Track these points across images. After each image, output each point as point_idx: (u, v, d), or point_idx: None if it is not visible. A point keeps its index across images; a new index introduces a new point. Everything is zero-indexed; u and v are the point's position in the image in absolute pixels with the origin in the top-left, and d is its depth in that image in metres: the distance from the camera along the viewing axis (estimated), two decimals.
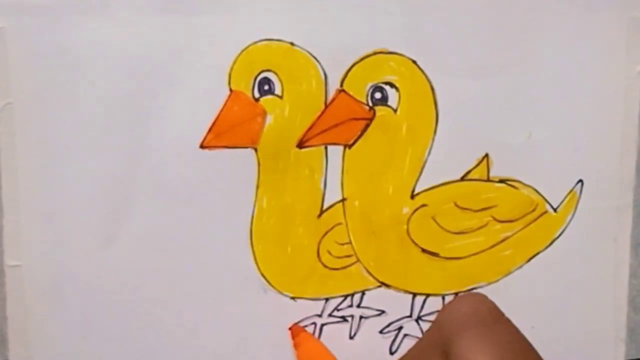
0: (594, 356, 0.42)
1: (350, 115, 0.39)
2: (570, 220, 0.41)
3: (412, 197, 0.40)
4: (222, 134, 0.38)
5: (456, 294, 0.41)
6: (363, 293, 0.41)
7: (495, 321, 0.29)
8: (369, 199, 0.40)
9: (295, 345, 0.40)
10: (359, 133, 0.39)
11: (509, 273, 0.41)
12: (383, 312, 0.41)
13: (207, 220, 0.39)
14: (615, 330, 0.42)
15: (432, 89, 0.39)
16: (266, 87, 0.38)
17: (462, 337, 0.28)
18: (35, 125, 0.37)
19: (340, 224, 0.40)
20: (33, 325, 0.39)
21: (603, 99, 0.40)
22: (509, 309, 0.31)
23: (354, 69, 0.38)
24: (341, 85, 0.38)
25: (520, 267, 0.41)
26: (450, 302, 0.30)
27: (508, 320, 0.29)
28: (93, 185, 0.38)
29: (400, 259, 0.40)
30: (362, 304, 0.41)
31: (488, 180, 0.40)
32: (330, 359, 0.40)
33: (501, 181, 0.40)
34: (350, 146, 0.39)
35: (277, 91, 0.38)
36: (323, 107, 0.39)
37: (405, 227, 0.40)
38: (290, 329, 0.40)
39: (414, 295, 0.41)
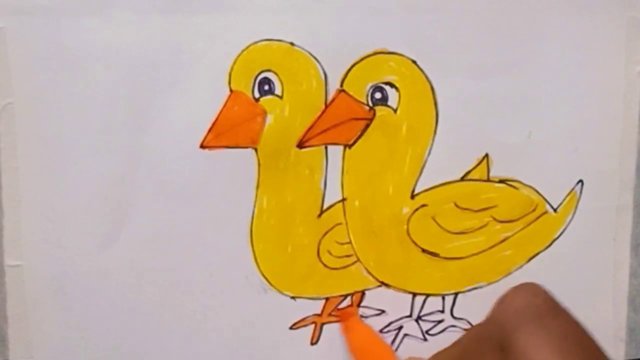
0: None
1: (350, 115, 0.39)
2: (570, 220, 0.41)
3: (412, 197, 0.40)
4: (222, 134, 0.38)
5: (456, 294, 0.41)
6: (363, 293, 0.41)
7: (551, 313, 0.28)
8: (369, 199, 0.40)
9: (345, 329, 0.40)
10: (359, 133, 0.39)
11: (509, 273, 0.41)
12: (383, 311, 0.41)
13: (207, 220, 0.39)
14: (615, 330, 0.42)
15: (432, 89, 0.39)
16: (266, 87, 0.38)
17: (520, 331, 0.27)
18: (36, 125, 0.37)
19: (340, 223, 0.40)
20: (33, 325, 0.39)
21: (603, 99, 0.40)
22: None
23: (354, 69, 0.38)
24: (341, 85, 0.38)
25: (520, 267, 0.41)
26: (504, 295, 0.30)
27: (564, 310, 0.28)
28: (93, 185, 0.38)
29: (400, 259, 0.40)
30: (362, 304, 0.41)
31: (488, 180, 0.40)
32: (382, 346, 0.39)
33: (501, 181, 0.40)
34: (350, 146, 0.39)
35: (277, 91, 0.38)
36: (323, 107, 0.38)
37: (405, 227, 0.40)
38: (339, 310, 0.40)
39: (414, 295, 0.41)
